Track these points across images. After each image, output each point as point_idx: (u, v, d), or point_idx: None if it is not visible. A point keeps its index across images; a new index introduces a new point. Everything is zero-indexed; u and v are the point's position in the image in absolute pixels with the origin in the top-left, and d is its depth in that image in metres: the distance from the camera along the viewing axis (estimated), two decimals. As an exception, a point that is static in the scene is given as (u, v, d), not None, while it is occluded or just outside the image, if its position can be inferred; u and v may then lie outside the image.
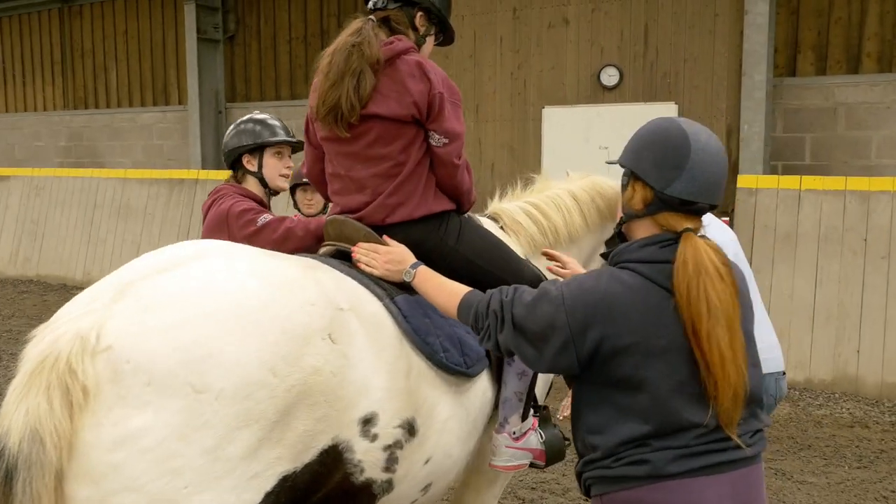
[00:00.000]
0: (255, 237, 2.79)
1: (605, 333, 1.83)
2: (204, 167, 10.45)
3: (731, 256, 3.10)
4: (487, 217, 3.22)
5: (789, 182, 6.70)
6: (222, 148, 3.26)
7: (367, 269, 2.34)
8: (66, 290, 10.35)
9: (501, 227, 3.14)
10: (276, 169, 3.13)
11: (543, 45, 7.93)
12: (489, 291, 2.08)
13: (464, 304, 2.12)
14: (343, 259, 2.44)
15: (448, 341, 2.35)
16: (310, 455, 1.88)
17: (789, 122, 7.28)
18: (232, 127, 3.23)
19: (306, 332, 1.88)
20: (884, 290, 6.19)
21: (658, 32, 7.41)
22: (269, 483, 1.79)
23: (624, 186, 1.98)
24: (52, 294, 10.24)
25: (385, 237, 2.42)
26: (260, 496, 1.77)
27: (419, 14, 2.51)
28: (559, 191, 3.26)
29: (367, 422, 2.01)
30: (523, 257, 3.05)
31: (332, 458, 1.95)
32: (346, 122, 2.37)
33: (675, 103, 7.36)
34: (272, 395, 1.76)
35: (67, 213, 11.19)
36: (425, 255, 2.44)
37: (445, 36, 2.67)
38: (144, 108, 11.59)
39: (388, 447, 2.08)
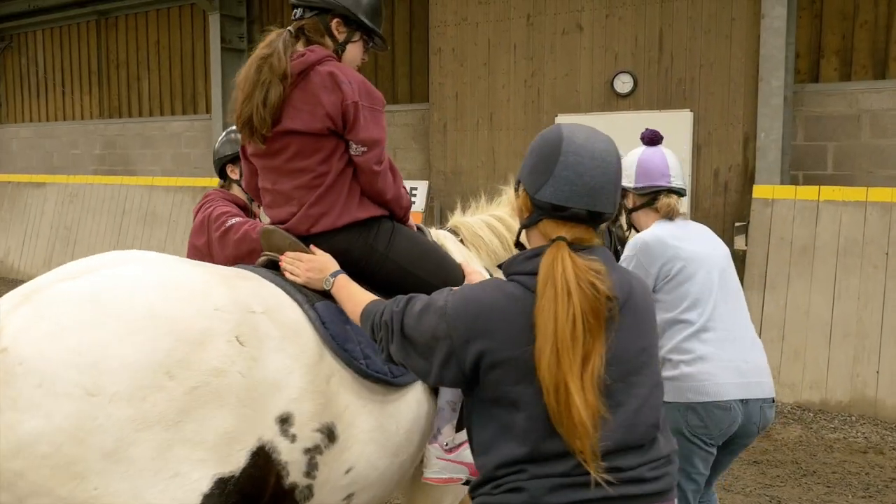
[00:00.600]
0: (223, 238, 2.90)
1: (486, 347, 1.73)
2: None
3: (715, 271, 2.91)
4: (448, 230, 3.13)
5: (807, 193, 6.40)
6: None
7: (291, 278, 2.33)
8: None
9: (461, 241, 3.05)
10: None
11: (557, 51, 7.77)
12: (386, 301, 2.01)
13: (364, 315, 2.06)
14: (275, 268, 2.43)
15: (371, 348, 2.30)
16: (242, 458, 1.89)
17: (811, 131, 6.96)
18: (222, 135, 3.28)
19: (205, 335, 1.88)
20: (906, 308, 5.84)
21: (673, 37, 7.19)
22: (202, 484, 1.80)
23: (517, 195, 1.91)
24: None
25: (312, 246, 2.42)
26: (196, 496, 1.79)
27: (335, 21, 2.45)
28: None
29: (285, 420, 2.00)
30: (483, 270, 2.92)
31: (264, 460, 1.96)
32: (260, 136, 2.37)
33: (691, 110, 7.12)
34: (170, 398, 1.76)
35: (98, 219, 11.44)
36: (354, 263, 2.43)
37: (375, 41, 2.59)
38: (174, 117, 11.78)
39: (307, 450, 2.06)
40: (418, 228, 2.78)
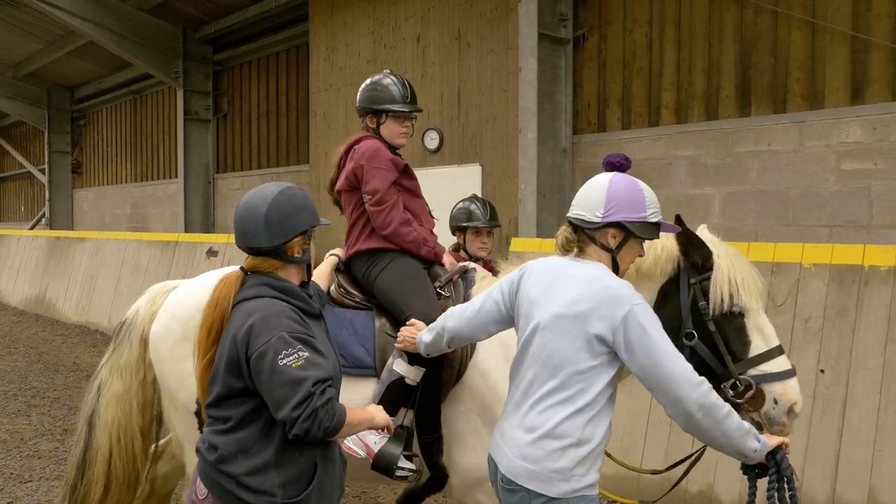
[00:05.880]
0: None
1: None
2: (190, 230, 11.77)
3: (532, 322, 2.42)
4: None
5: (550, 246, 6.20)
6: None
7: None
8: (92, 334, 12.12)
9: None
10: None
11: (390, 111, 8.11)
12: None
13: None
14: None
15: (350, 343, 3.20)
16: None
17: (587, 182, 6.72)
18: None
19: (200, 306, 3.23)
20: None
21: (468, 94, 7.30)
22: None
23: None
24: (89, 336, 12.02)
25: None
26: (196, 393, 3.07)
27: (368, 116, 3.50)
28: None
29: None
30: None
31: None
32: (333, 197, 3.59)
33: (480, 164, 7.15)
34: (196, 326, 2.87)
35: (108, 270, 13.10)
36: (358, 281, 3.39)
37: (392, 111, 3.43)
38: (170, 180, 13.31)
39: None
40: (463, 270, 3.42)
